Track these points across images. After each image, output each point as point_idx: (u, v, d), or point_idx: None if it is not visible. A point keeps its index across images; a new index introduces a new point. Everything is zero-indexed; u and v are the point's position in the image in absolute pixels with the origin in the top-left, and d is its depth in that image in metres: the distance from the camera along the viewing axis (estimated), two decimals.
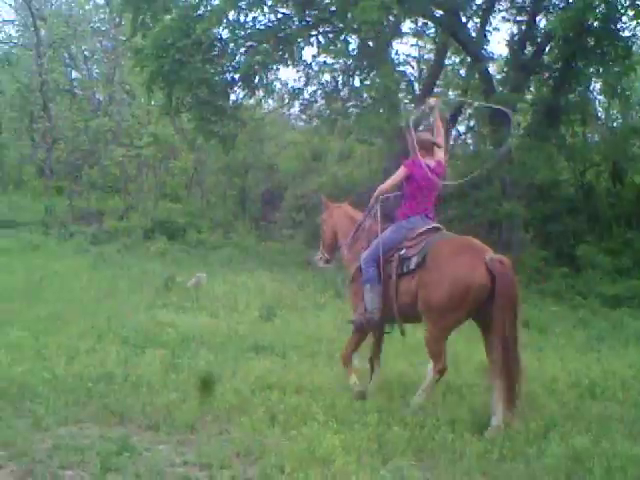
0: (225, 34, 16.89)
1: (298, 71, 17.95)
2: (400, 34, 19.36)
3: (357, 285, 7.62)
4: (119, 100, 29.17)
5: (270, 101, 25.35)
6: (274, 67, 17.77)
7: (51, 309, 10.69)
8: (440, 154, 7.65)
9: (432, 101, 8.04)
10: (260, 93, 19.09)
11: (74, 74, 35.67)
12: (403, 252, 7.16)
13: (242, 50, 17.29)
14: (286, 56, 16.99)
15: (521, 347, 6.79)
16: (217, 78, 17.44)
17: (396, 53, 19.60)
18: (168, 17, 17.34)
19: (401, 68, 18.11)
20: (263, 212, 25.25)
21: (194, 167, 28.71)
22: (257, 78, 17.64)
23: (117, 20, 29.87)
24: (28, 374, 7.10)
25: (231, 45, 17.05)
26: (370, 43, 16.55)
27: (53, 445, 5.64)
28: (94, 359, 7.98)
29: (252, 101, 21.07)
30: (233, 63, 17.57)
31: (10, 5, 35.57)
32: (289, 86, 18.90)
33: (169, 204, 27.21)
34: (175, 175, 29.65)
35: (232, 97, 18.93)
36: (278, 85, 19.59)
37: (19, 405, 6.47)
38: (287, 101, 19.35)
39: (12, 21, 38.43)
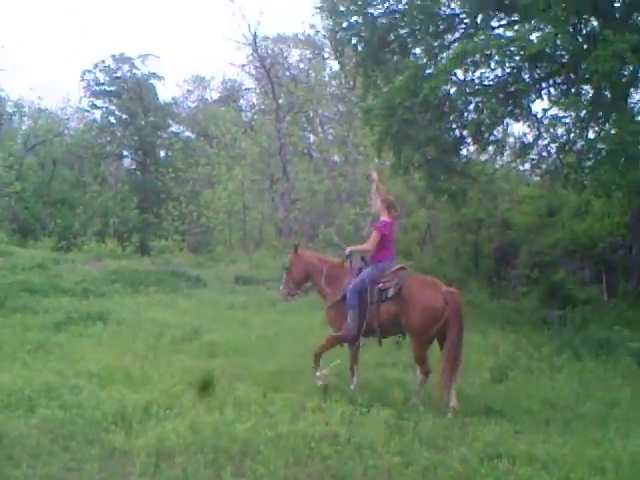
0: (453, 91, 16.81)
1: (528, 125, 17.46)
2: (638, 82, 18.26)
3: (336, 311, 9.96)
4: (353, 161, 30.00)
5: (504, 156, 25.01)
6: (504, 122, 17.43)
7: (282, 365, 10.81)
8: (394, 211, 10.13)
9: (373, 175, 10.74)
10: (490, 149, 18.76)
11: (311, 137, 37.29)
12: (381, 285, 9.54)
13: (470, 107, 17.13)
14: (515, 110, 16.58)
15: (462, 350, 9.33)
16: (446, 136, 17.37)
17: (635, 102, 18.44)
18: (400, 78, 17.55)
19: None
20: (496, 269, 24.58)
21: (427, 224, 28.73)
22: (487, 134, 17.39)
23: (352, 84, 30.88)
24: (251, 431, 7.11)
25: (459, 102, 16.93)
26: (606, 93, 15.77)
27: None
28: (319, 417, 7.87)
29: (484, 157, 20.77)
30: (462, 120, 17.44)
31: (251, 74, 38.01)
32: (520, 140, 18.35)
33: (402, 260, 27.30)
34: (408, 232, 29.79)
35: (462, 153, 18.77)
36: (510, 140, 19.14)
37: (240, 464, 6.47)
38: (519, 156, 18.81)
39: (253, 89, 41.03)
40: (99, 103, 51.13)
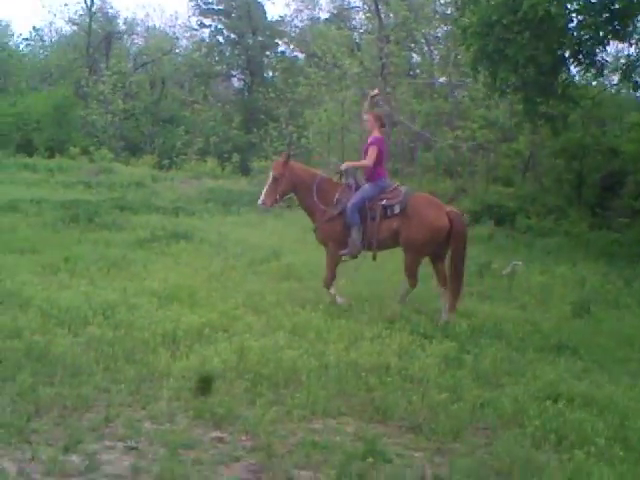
0: (554, 8, 15.73)
1: (631, 44, 16.24)
2: None
3: (331, 227, 9.93)
4: (456, 83, 29.04)
5: (614, 78, 23.57)
6: (608, 41, 16.27)
7: (354, 290, 10.47)
8: (384, 127, 10.36)
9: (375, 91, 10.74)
10: (593, 71, 17.57)
11: (415, 58, 36.24)
12: (385, 202, 9.62)
13: (572, 25, 16.07)
14: (620, 29, 15.43)
15: (464, 268, 9.76)
16: (545, 56, 16.34)
17: None
18: None
19: None
20: (600, 198, 23.54)
21: (529, 150, 27.65)
22: (589, 54, 16.31)
23: (458, 3, 29.61)
24: (299, 359, 6.87)
25: (560, 20, 15.87)
26: None
27: (299, 440, 5.37)
28: (375, 347, 7.57)
29: (589, 79, 19.57)
30: (563, 39, 16.38)
31: None
32: (623, 61, 17.08)
33: (500, 188, 26.53)
34: (509, 158, 28.80)
35: (563, 76, 17.67)
36: (615, 61, 17.84)
37: (281, 393, 6.27)
38: (623, 78, 17.53)
39: (360, 8, 40.09)
40: (207, 22, 51.20)
